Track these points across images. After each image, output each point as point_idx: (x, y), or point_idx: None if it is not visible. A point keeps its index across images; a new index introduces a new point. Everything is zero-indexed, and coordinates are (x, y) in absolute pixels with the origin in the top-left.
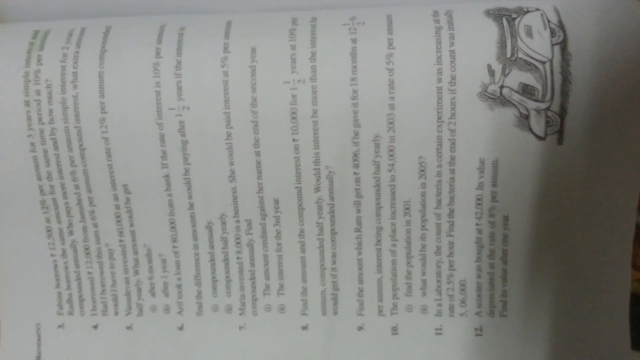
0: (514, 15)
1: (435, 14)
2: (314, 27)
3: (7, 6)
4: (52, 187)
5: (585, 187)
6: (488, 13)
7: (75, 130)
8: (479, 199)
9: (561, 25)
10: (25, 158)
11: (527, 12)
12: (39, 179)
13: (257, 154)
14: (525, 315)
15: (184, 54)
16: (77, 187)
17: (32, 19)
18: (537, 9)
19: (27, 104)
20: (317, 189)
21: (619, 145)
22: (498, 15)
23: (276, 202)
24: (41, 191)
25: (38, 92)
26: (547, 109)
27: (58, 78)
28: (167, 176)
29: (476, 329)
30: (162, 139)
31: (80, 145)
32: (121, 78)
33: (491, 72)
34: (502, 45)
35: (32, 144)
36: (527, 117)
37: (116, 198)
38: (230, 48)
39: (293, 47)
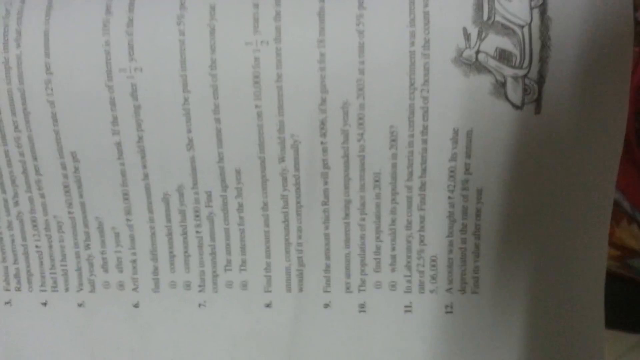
0: None
1: None
2: None
3: None
4: None
5: (563, 160)
6: None
7: (18, 92)
8: (451, 171)
9: None
10: None
11: None
12: None
13: (217, 120)
14: (497, 293)
15: (136, 10)
16: (21, 154)
17: None
18: None
19: None
20: (282, 159)
21: (598, 116)
22: None
23: (238, 172)
24: None
25: None
26: (525, 76)
27: (0, 36)
28: (118, 143)
29: (447, 306)
30: (112, 102)
31: (25, 109)
32: (68, 37)
33: (467, 36)
34: (478, 7)
35: None
36: (503, 84)
37: (64, 167)
38: (187, 5)
39: (256, 5)
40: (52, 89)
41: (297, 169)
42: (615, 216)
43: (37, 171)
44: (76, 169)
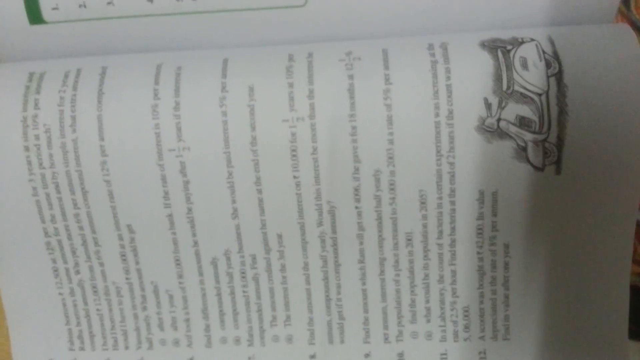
0: (508, 47)
1: (431, 47)
2: (310, 64)
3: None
4: (56, 229)
5: (584, 214)
6: (483, 45)
7: (76, 173)
8: (479, 229)
9: (556, 56)
10: (28, 202)
11: (522, 42)
12: (43, 221)
13: (259, 191)
14: (528, 338)
15: (182, 94)
16: (81, 228)
17: (26, 57)
18: (532, 40)
19: (26, 149)
20: (320, 224)
21: (616, 175)
22: (493, 47)
23: (279, 237)
24: (45, 233)
25: (37, 137)
26: (545, 140)
27: (57, 122)
28: (170, 215)
29: (480, 353)
30: (163, 179)
31: (82, 188)
32: (120, 121)
33: (488, 106)
34: (497, 78)
35: (34, 188)
36: (524, 148)
37: (121, 238)
38: (228, 87)
39: (291, 85)
40: (107, 170)
41: (334, 231)
42: (638, 236)
43: (96, 243)
44: (132, 239)
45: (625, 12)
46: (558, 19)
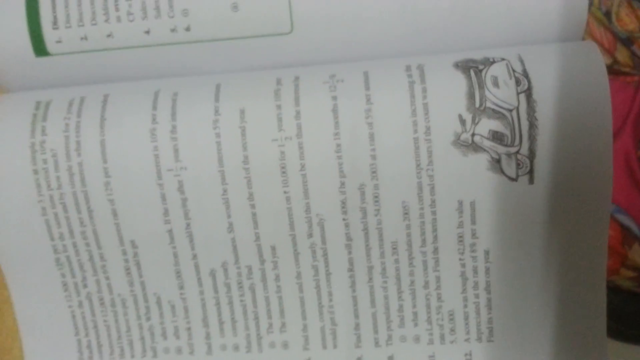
0: (480, 67)
1: (408, 68)
2: (297, 87)
3: (6, 76)
4: (64, 246)
5: (558, 221)
6: (457, 65)
7: (82, 194)
8: (460, 237)
9: (526, 74)
10: (38, 221)
11: (493, 62)
12: (52, 239)
13: (252, 206)
14: (511, 338)
15: (178, 118)
16: (87, 245)
17: (32, 86)
18: (503, 59)
19: (35, 172)
20: (310, 235)
21: (586, 182)
22: (466, 67)
23: (273, 248)
24: (55, 250)
25: (45, 161)
26: (517, 152)
27: (62, 147)
28: (170, 231)
29: (466, 354)
30: (163, 197)
31: (88, 207)
32: (121, 144)
33: (462, 122)
34: (471, 96)
35: (44, 209)
36: (498, 161)
37: (124, 253)
38: (221, 111)
39: (279, 107)
40: (111, 190)
41: (324, 242)
42: (627, 241)
43: (101, 258)
44: (135, 254)
45: (607, 24)
46: (528, 38)
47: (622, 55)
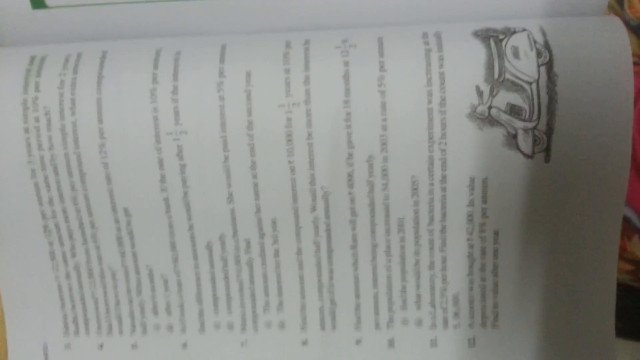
0: (501, 37)
1: (425, 35)
2: (307, 51)
3: (1, 30)
4: (53, 211)
5: (572, 202)
6: (476, 34)
7: (74, 156)
8: (469, 216)
9: (547, 46)
10: (27, 184)
11: (514, 32)
12: (41, 204)
13: (254, 176)
14: (516, 325)
15: (180, 79)
16: (78, 211)
17: (28, 41)
18: (524, 30)
19: (26, 130)
20: (313, 209)
21: (604, 163)
22: (486, 36)
23: (274, 222)
24: (43, 216)
25: (37, 119)
26: (534, 128)
27: (56, 105)
28: (166, 199)
29: (469, 340)
30: (160, 163)
31: (80, 171)
32: (119, 104)
33: (479, 93)
34: (489, 66)
35: (33, 170)
36: (514, 136)
37: (117, 221)
38: (226, 73)
39: (287, 71)
40: (105, 152)
41: (327, 217)
42: (627, 232)
43: (92, 225)
44: (128, 223)
45: (619, 11)
46: (550, 11)
47: (632, 44)
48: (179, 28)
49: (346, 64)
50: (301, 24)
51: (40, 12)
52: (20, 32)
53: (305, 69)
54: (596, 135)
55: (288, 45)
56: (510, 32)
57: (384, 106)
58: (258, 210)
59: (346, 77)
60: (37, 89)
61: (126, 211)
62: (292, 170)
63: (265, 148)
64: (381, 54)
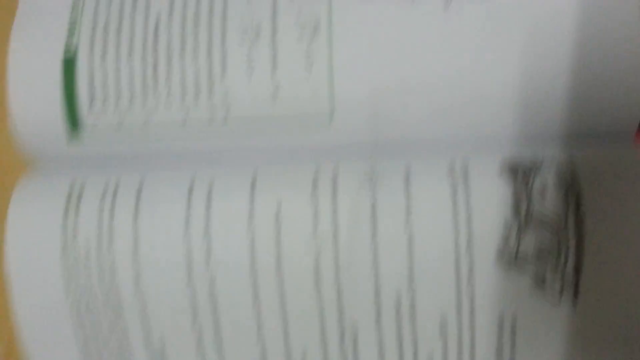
0: (528, 172)
1: (451, 170)
2: (335, 182)
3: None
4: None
5: (602, 347)
6: (503, 169)
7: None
8: (499, 354)
9: (576, 182)
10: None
11: (541, 166)
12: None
13: (283, 306)
14: None
15: (212, 210)
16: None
17: (63, 168)
18: (551, 164)
19: (65, 267)
20: (342, 343)
21: (629, 309)
22: (513, 170)
23: (303, 355)
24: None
25: (76, 250)
26: (562, 270)
27: (94, 240)
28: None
29: None
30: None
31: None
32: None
33: (506, 235)
34: (516, 208)
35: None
36: (543, 278)
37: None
38: (256, 203)
39: (315, 205)
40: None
41: (355, 351)
42: None
43: None
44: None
45: None
46: (577, 132)
47: None
48: (212, 159)
49: (373, 196)
50: (328, 151)
51: (76, 144)
52: (56, 161)
53: (333, 201)
54: (626, 276)
55: (316, 176)
56: (537, 167)
57: (411, 239)
58: (287, 343)
59: (373, 212)
60: (75, 228)
61: (162, 352)
62: (321, 303)
63: (294, 284)
64: (408, 187)
